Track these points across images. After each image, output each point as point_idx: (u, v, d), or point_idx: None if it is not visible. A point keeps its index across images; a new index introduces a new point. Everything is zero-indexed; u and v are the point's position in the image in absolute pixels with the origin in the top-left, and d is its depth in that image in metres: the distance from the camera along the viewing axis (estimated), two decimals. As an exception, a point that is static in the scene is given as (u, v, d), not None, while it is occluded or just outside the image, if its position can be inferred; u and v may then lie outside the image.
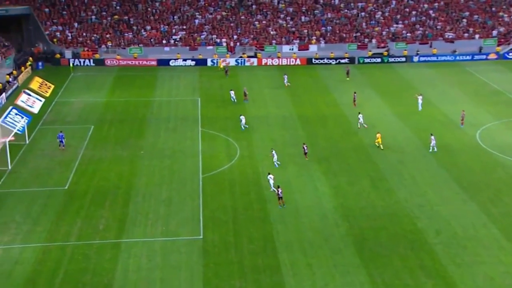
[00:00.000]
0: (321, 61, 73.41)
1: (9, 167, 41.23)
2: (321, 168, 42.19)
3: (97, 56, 72.13)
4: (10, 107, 51.17)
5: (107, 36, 74.81)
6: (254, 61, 73.09)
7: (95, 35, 74.82)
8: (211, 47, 74.97)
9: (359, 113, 50.70)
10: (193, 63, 72.11)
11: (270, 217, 35.23)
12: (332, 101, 57.73)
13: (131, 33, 75.71)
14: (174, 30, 76.88)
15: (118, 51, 72.90)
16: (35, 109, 54.12)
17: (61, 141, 44.87)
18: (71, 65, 69.04)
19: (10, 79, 60.50)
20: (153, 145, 46.20)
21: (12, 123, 47.67)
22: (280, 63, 73.06)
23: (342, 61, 73.60)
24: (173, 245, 32.17)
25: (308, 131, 49.53)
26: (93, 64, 71.04)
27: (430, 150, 44.57)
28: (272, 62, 73.09)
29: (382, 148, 44.97)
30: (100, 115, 53.46)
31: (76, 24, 76.19)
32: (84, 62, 70.88)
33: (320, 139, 47.88)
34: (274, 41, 76.28)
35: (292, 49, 75.52)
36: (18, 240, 32.25)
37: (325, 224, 34.55)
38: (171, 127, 50.38)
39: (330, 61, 73.54)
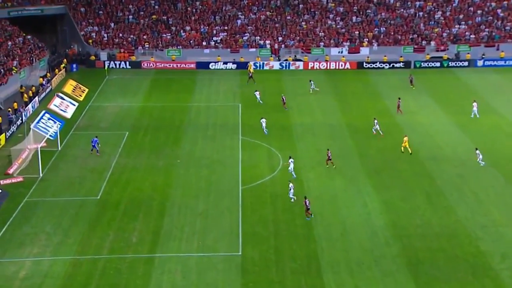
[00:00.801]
0: (373, 65, 72.71)
1: (40, 175, 42.47)
2: (371, 181, 41.69)
3: (133, 58, 73.71)
4: (43, 112, 52.86)
5: (144, 37, 76.38)
6: (300, 64, 73.06)
7: (132, 36, 76.53)
8: (253, 49, 75.41)
9: (375, 118, 50.66)
10: (234, 66, 72.67)
11: (315, 233, 34.98)
12: (385, 109, 57.05)
13: (169, 34, 77.04)
14: (214, 31, 77.81)
15: (155, 53, 74.29)
16: (68, 114, 55.76)
17: (94, 146, 45.89)
18: (106, 67, 70.77)
19: (44, 82, 62.47)
20: (190, 154, 46.71)
21: (45, 128, 49.20)
22: (328, 67, 72.74)
23: (396, 65, 72.69)
24: (210, 262, 32.33)
25: (358, 141, 49.07)
26: (129, 67, 72.61)
27: (482, 164, 43.67)
28: (319, 66, 72.84)
29: (410, 152, 45.47)
30: (135, 120, 54.50)
31: (112, 24, 78.16)
32: (119, 64, 72.54)
33: (371, 150, 47.35)
34: (322, 44, 76.10)
35: (342, 52, 75.09)
36: (48, 252, 33.11)
37: (375, 243, 34.06)
38: (210, 134, 50.84)
39: (383, 65, 72.75)
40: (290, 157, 43.17)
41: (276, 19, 79.83)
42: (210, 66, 72.56)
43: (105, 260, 32.41)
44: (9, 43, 66.66)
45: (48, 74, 66.40)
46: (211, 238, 34.56)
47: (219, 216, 37.09)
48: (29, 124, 49.36)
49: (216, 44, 76.19)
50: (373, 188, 40.79)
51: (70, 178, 42.35)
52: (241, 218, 36.81)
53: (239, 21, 79.35)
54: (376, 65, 72.70)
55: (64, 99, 58.32)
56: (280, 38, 76.90)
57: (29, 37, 71.09)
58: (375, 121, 50.43)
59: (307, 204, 36.56)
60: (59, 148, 47.49)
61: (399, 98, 56.02)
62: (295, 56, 74.07)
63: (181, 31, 77.67)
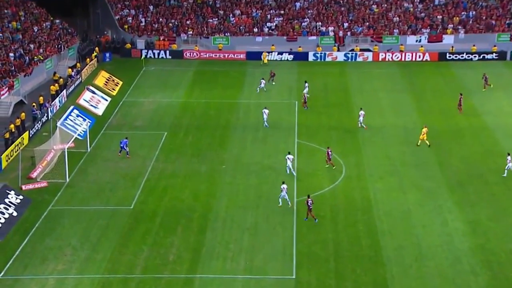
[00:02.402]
0: (459, 57, 71.48)
1: (67, 180, 43.60)
2: (454, 196, 40.99)
3: (174, 46, 74.84)
4: (71, 107, 54.36)
5: (188, 22, 77.43)
6: (369, 55, 72.48)
7: (173, 21, 77.72)
8: (314, 37, 75.29)
9: (361, 108, 52.11)
10: (290, 57, 72.74)
11: (383, 256, 34.63)
12: (471, 109, 55.97)
13: (216, 19, 77.83)
14: (268, 16, 78.09)
15: (199, 41, 75.18)
16: (100, 111, 57.11)
17: (123, 148, 46.66)
18: (143, 57, 72.09)
19: (73, 73, 64.13)
20: (237, 159, 47.01)
21: (73, 126, 50.57)
22: (403, 59, 71.88)
23: (488, 56, 71.13)
24: (258, 285, 32.43)
25: (438, 148, 48.30)
26: (169, 57, 73.74)
27: (505, 174, 43.14)
28: (392, 58, 72.08)
29: (428, 145, 47.45)
30: (175, 119, 55.30)
31: (151, 8, 79.60)
32: (158, 53, 73.76)
33: (454, 158, 46.54)
34: (396, 31, 75.22)
35: (420, 41, 74.06)
36: (73, 269, 33.89)
37: (457, 270, 33.46)
38: (260, 137, 51.02)
39: (471, 56, 71.46)
40: (289, 153, 44.03)
41: (341, 1, 79.42)
42: (262, 57, 72.83)
43: (138, 280, 32.95)
44: (35, 28, 68.81)
45: (78, 64, 68.16)
46: (260, 258, 34.65)
47: (270, 233, 37.15)
48: (55, 121, 50.76)
49: (270, 31, 76.41)
50: (455, 204, 40.07)
51: (100, 184, 43.31)
52: (296, 235, 36.77)
53: (297, 4, 79.37)
54: (462, 57, 71.42)
55: (95, 93, 59.79)
56: (345, 24, 76.45)
57: (57, 21, 73.16)
58: (361, 112, 51.39)
59: (309, 204, 37.37)
60: (89, 150, 48.64)
61: (461, 94, 55.33)
62: (354, 45, 73.42)
63: (230, 15, 78.33)
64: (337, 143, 49.29)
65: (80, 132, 49.47)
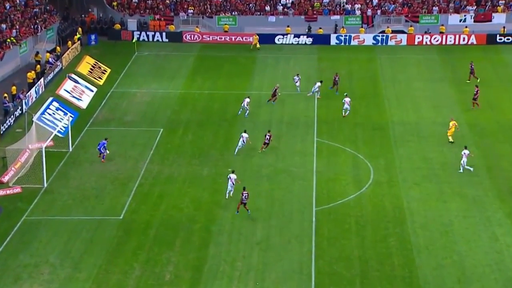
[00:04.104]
0: (511, 40, 71.29)
1: (45, 184, 43.76)
2: (505, 206, 40.97)
3: (172, 27, 75.00)
4: (50, 99, 54.55)
5: (187, -1, 77.65)
6: (403, 38, 72.48)
7: (170, -3, 77.95)
8: (337, 16, 75.25)
9: (346, 95, 54.08)
10: (309, 40, 72.80)
11: (420, 277, 34.61)
12: (526, 103, 56.01)
13: (221, -5, 78.00)
14: (283, -9, 78.20)
15: (201, 21, 75.29)
16: (84, 103, 57.29)
17: (101, 151, 46.40)
18: (135, 40, 72.29)
19: (51, 59, 64.30)
20: (246, 161, 47.08)
21: (52, 121, 50.75)
22: (444, 42, 71.88)
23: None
24: (270, 311, 32.57)
25: (485, 148, 48.28)
26: (166, 40, 73.99)
27: (461, 170, 44.65)
28: (430, 40, 72.04)
29: (451, 140, 48.43)
30: (172, 113, 55.46)
31: (144, -18, 79.83)
32: (153, 36, 73.99)
33: (504, 161, 46.55)
34: (435, 9, 75.08)
35: (464, 21, 73.87)
36: (52, 289, 34.14)
37: (508, 294, 33.44)
38: (273, 135, 51.01)
39: (526, 39, 71.58)
40: (244, 131, 47.53)
41: (370, -26, 79.45)
42: (276, 40, 73.06)
43: (127, 303, 33.20)
44: (7, 4, 69.00)
45: (58, 48, 68.37)
46: (272, 278, 34.69)
47: (284, 248, 37.20)
48: (31, 115, 50.96)
49: (285, 10, 76.43)
50: (507, 215, 40.04)
51: (84, 190, 43.46)
52: (315, 251, 36.80)
53: (318, -23, 79.43)
54: (514, 39, 71.51)
55: (78, 83, 60.01)
56: (375, 1, 76.36)
57: (33, -3, 73.50)
58: (346, 99, 53.38)
59: (243, 197, 39.22)
60: (70, 149, 48.80)
61: (477, 86, 55.38)
62: (384, 26, 73.44)
63: (238, -10, 78.46)
64: (364, 143, 49.29)
65: (61, 129, 49.63)
